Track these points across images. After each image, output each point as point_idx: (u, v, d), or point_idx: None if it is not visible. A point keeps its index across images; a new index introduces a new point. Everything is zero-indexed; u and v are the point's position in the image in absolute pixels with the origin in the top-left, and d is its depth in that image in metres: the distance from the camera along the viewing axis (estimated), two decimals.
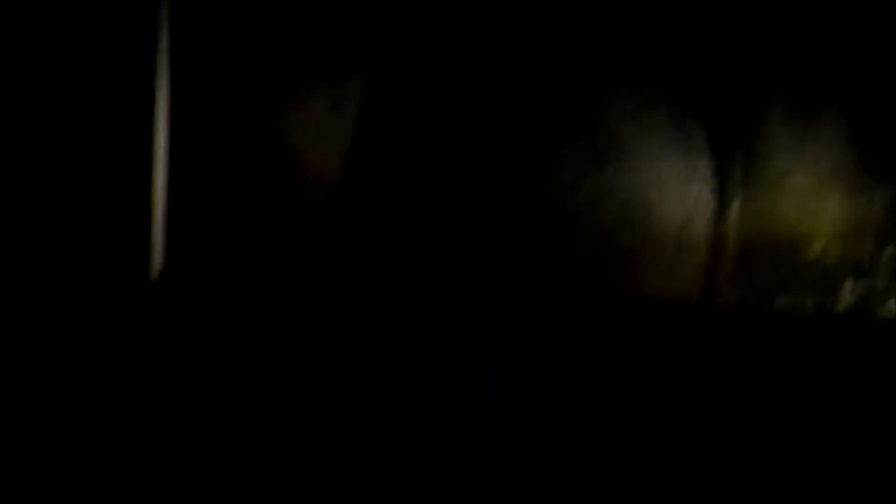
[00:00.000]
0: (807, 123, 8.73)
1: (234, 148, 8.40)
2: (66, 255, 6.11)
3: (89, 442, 2.46)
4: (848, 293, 8.43)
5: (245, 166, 8.47)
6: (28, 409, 2.79)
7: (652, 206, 9.24)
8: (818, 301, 8.56)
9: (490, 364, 3.55)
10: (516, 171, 9.07)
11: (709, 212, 9.05)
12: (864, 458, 3.69)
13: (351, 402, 2.95)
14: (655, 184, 9.25)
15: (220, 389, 3.08)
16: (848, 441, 3.89)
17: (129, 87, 7.44)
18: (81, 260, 6.28)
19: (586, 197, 9.12)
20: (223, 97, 8.35)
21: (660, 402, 3.17)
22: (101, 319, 4.04)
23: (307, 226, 8.35)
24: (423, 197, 8.96)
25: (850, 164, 8.74)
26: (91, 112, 7.22)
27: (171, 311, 4.20)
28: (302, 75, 8.52)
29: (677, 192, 9.14)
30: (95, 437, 2.50)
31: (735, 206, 8.95)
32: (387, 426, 2.74)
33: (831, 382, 5.03)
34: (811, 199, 8.77)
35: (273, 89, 8.49)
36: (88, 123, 7.17)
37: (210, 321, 4.03)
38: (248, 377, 3.23)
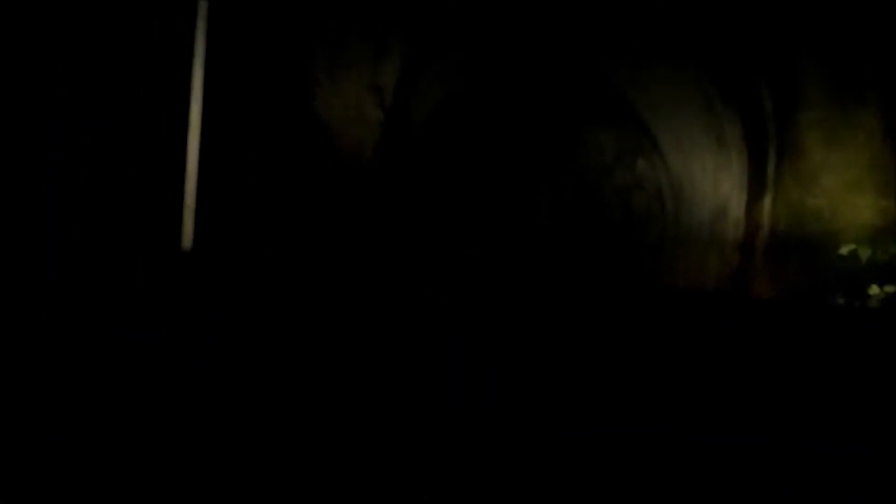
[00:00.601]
0: (842, 120, 8.59)
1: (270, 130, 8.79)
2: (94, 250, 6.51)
3: (89, 442, 2.80)
4: (875, 294, 8.25)
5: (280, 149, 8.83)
6: (28, 408, 3.16)
7: (684, 198, 9.28)
8: (847, 300, 8.41)
9: (491, 366, 3.81)
10: (550, 156, 9.30)
11: (741, 206, 9.02)
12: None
13: (353, 404, 3.25)
14: (688, 176, 9.28)
15: (224, 390, 3.42)
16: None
17: (164, 87, 7.84)
18: (109, 256, 6.69)
19: (619, 186, 9.24)
20: (255, 78, 8.67)
21: (660, 403, 3.39)
22: (101, 319, 4.33)
23: (342, 204, 8.76)
24: (461, 178, 9.32)
25: (886, 163, 8.54)
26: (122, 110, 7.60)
27: (176, 312, 4.56)
28: (338, 60, 8.80)
29: (710, 185, 9.15)
30: (95, 437, 2.84)
31: (767, 202, 8.89)
32: (389, 428, 3.05)
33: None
34: (844, 197, 8.62)
35: (307, 72, 8.80)
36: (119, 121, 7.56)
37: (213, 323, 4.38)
38: (251, 380, 3.54)
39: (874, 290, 8.29)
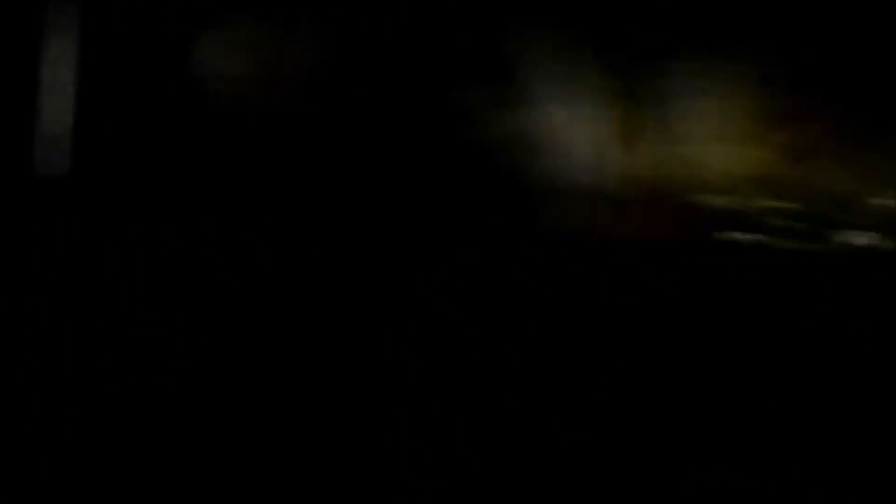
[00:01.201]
0: (704, 69, 8.77)
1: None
2: None
3: (89, 442, 2.66)
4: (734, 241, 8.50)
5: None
6: (28, 408, 3.00)
7: (554, 150, 9.39)
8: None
9: (487, 368, 3.71)
10: (428, 113, 9.30)
11: (608, 156, 9.17)
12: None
13: (350, 405, 3.12)
14: (558, 128, 9.38)
15: (218, 390, 3.26)
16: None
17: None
18: None
19: (495, 139, 9.29)
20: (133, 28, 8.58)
21: (653, 406, 3.33)
22: (101, 319, 4.20)
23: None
24: (340, 130, 9.27)
25: (746, 112, 8.76)
26: None
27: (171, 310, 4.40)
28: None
29: (578, 136, 9.27)
30: (95, 437, 2.71)
31: (633, 151, 9.05)
32: (387, 430, 2.92)
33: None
34: (703, 146, 8.83)
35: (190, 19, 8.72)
36: None
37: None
38: (245, 380, 3.39)
39: (735, 236, 8.56)
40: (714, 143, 8.95)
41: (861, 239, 8.06)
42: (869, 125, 8.59)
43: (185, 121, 8.46)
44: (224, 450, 2.76)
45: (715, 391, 3.69)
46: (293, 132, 8.88)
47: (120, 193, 7.25)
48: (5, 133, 7.26)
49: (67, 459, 2.64)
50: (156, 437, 2.86)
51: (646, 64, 8.98)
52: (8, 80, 7.97)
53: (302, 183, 8.87)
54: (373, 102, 9.10)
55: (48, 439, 2.74)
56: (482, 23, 9.06)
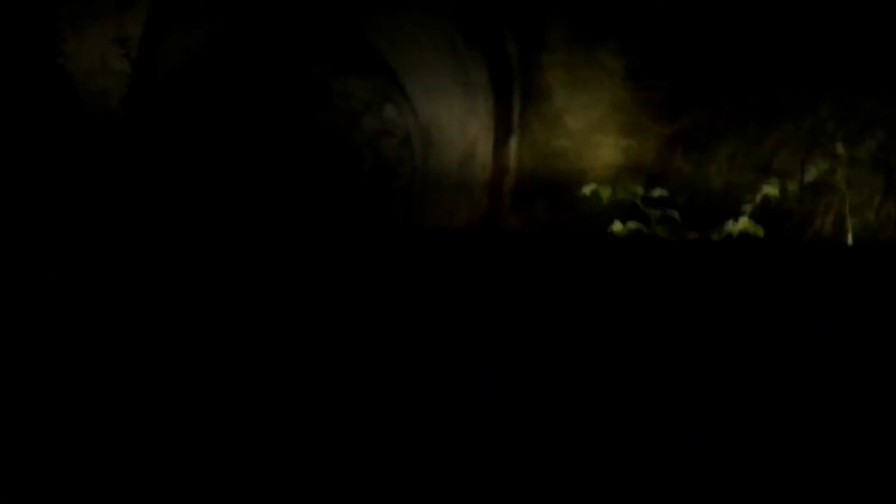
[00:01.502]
0: (585, 62, 8.74)
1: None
2: None
3: (88, 442, 2.57)
4: (620, 231, 8.44)
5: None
6: (28, 408, 2.91)
7: (432, 143, 9.34)
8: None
9: (486, 368, 3.63)
10: (301, 107, 9.23)
11: (488, 149, 9.11)
12: None
13: (351, 405, 3.04)
14: (436, 121, 9.33)
15: (216, 391, 3.18)
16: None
17: None
18: None
19: (368, 133, 9.24)
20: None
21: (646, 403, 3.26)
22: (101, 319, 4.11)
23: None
24: (213, 128, 9.19)
25: (627, 104, 8.72)
26: None
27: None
28: (83, 12, 8.68)
29: (457, 129, 9.21)
30: (95, 437, 2.62)
31: (514, 144, 8.99)
32: (387, 430, 2.84)
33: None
34: (588, 138, 8.79)
35: (51, 25, 8.67)
36: None
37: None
38: (244, 380, 3.31)
39: (618, 226, 8.51)
40: (592, 135, 8.91)
41: (735, 227, 8.03)
42: (746, 115, 8.57)
43: None
44: (224, 449, 2.68)
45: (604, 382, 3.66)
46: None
47: None
48: None
49: (67, 459, 2.57)
50: (156, 437, 2.78)
51: (522, 57, 8.93)
52: None
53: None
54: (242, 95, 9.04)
55: (48, 439, 2.67)
56: (352, 14, 9.00)
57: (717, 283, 6.58)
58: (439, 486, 2.54)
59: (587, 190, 8.66)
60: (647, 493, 2.58)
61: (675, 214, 8.40)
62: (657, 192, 8.46)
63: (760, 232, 8.00)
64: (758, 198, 8.14)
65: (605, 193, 8.59)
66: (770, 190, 8.08)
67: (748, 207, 8.13)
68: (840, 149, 8.14)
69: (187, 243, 5.97)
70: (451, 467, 2.68)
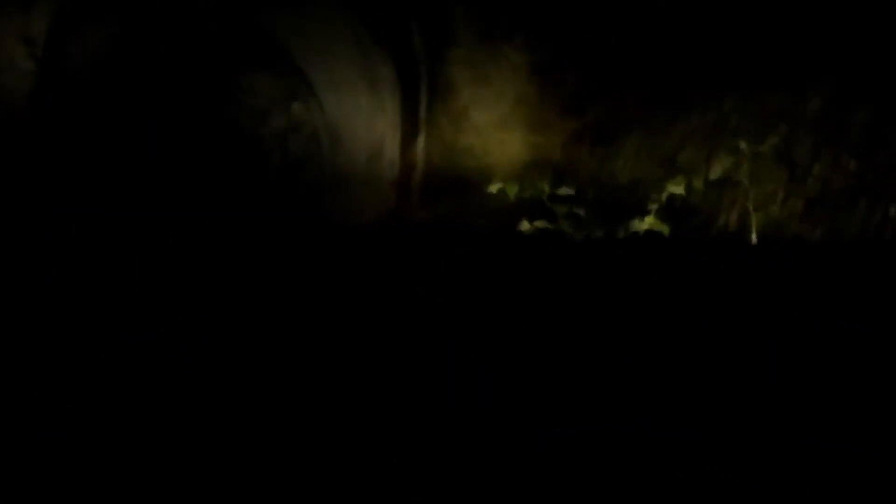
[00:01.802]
0: (490, 57, 8.68)
1: None
2: None
3: (88, 440, 2.49)
4: (527, 230, 8.42)
5: None
6: (27, 405, 2.83)
7: (340, 139, 9.27)
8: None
9: (482, 366, 3.56)
10: (207, 105, 9.12)
11: (395, 146, 9.05)
12: None
13: (352, 403, 2.98)
14: (343, 118, 9.26)
15: (215, 389, 3.11)
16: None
17: None
18: None
19: (275, 130, 9.14)
20: None
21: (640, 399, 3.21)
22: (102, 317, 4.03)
23: None
24: (120, 126, 9.08)
25: (533, 99, 8.69)
26: None
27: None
28: None
29: (364, 126, 9.14)
30: (95, 435, 2.54)
31: (421, 141, 8.94)
32: (386, 430, 2.77)
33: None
34: (495, 134, 8.75)
35: None
36: None
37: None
38: (242, 379, 3.24)
39: (525, 225, 8.49)
40: (499, 131, 8.88)
41: (641, 225, 8.05)
42: (652, 110, 8.57)
43: None
44: (224, 449, 2.64)
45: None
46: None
47: None
48: None
49: (67, 458, 2.53)
50: (155, 436, 2.73)
51: (428, 52, 8.87)
52: None
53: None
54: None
55: (47, 437, 2.63)
56: (258, 10, 8.89)
57: (625, 283, 6.61)
58: (436, 484, 2.54)
59: (493, 188, 8.63)
60: (640, 490, 2.60)
61: (582, 212, 8.40)
62: (563, 190, 8.45)
63: (666, 230, 8.03)
64: (663, 196, 8.15)
65: (512, 191, 8.57)
66: (675, 188, 8.11)
67: (654, 206, 8.15)
68: (743, 144, 8.18)
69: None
70: (447, 464, 2.68)
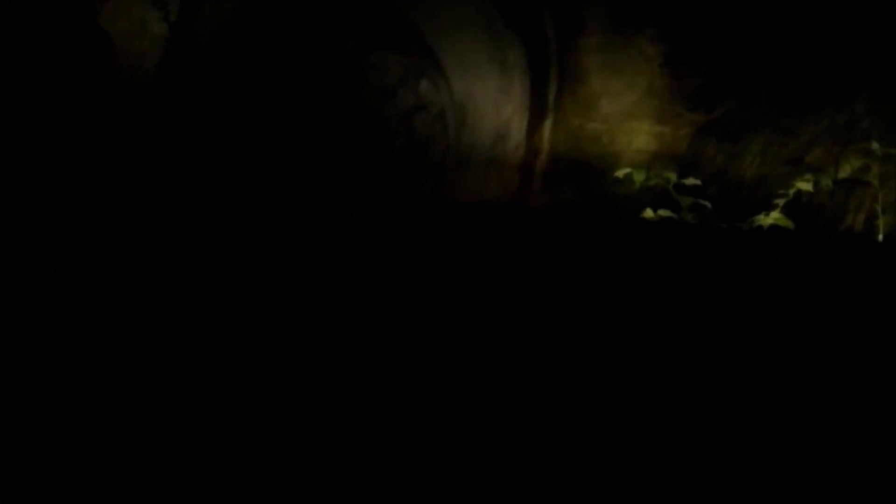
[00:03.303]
0: (622, 47, 8.73)
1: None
2: None
3: (89, 440, 2.59)
4: (650, 217, 8.46)
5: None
6: (27, 405, 2.93)
7: (466, 120, 9.34)
8: None
9: (505, 362, 3.63)
10: (334, 81, 9.22)
11: (522, 129, 9.11)
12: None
13: (361, 403, 3.05)
14: (471, 99, 9.33)
15: (220, 389, 3.19)
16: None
17: None
18: None
19: (402, 108, 9.22)
20: None
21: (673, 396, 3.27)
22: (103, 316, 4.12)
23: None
24: (244, 100, 9.19)
25: (663, 91, 8.73)
26: None
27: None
28: None
29: (492, 108, 9.21)
30: (95, 435, 2.63)
31: (548, 126, 9.00)
32: (405, 426, 2.85)
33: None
34: (622, 123, 8.79)
35: None
36: None
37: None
38: (251, 377, 3.32)
39: (648, 213, 8.53)
40: (627, 120, 8.92)
41: (766, 220, 8.05)
42: (780, 108, 8.56)
43: None
44: (224, 449, 2.70)
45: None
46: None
47: None
48: None
49: (67, 458, 2.59)
50: (156, 436, 2.80)
51: (559, 39, 8.92)
52: None
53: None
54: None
55: (48, 437, 2.69)
56: None
57: (750, 276, 6.61)
58: (459, 482, 2.56)
59: (620, 174, 8.68)
60: (677, 488, 2.62)
61: (707, 204, 8.41)
62: (690, 181, 8.47)
63: (791, 226, 8.02)
64: (790, 192, 8.15)
65: (639, 178, 8.60)
66: (804, 185, 8.10)
67: (780, 201, 8.14)
68: (875, 146, 8.15)
69: (191, 242, 6.01)
70: (477, 459, 2.70)
